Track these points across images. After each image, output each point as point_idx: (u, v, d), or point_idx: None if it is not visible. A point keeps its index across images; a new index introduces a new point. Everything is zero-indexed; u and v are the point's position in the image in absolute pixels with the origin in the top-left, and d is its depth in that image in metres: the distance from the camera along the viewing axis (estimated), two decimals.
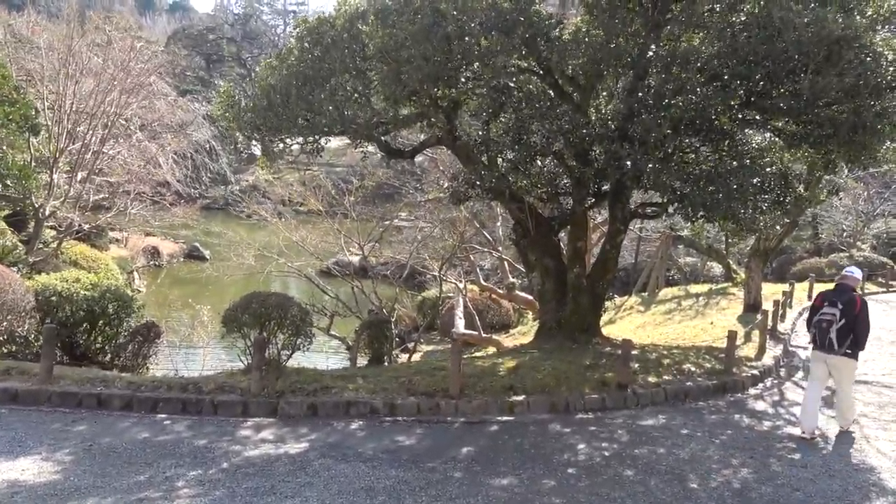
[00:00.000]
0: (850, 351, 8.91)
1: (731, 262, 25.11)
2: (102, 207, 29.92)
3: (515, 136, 11.27)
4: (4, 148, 19.60)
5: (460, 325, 22.72)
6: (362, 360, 13.05)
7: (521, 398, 9.96)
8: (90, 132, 25.34)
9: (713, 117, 10.72)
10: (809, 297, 21.49)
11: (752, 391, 11.64)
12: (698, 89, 10.14)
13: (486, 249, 23.48)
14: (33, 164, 22.23)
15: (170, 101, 38.90)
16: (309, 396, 9.52)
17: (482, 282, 23.44)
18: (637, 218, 14.24)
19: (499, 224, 23.03)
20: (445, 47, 10.13)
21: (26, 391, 9.15)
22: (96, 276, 15.48)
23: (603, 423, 9.59)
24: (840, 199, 30.93)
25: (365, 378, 10.29)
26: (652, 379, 11.14)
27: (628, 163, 10.63)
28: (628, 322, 20.93)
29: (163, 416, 9.04)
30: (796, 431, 9.45)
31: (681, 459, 8.29)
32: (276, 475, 7.13)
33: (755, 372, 12.22)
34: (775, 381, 12.34)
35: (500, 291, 23.15)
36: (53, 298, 12.76)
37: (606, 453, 8.43)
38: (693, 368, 11.86)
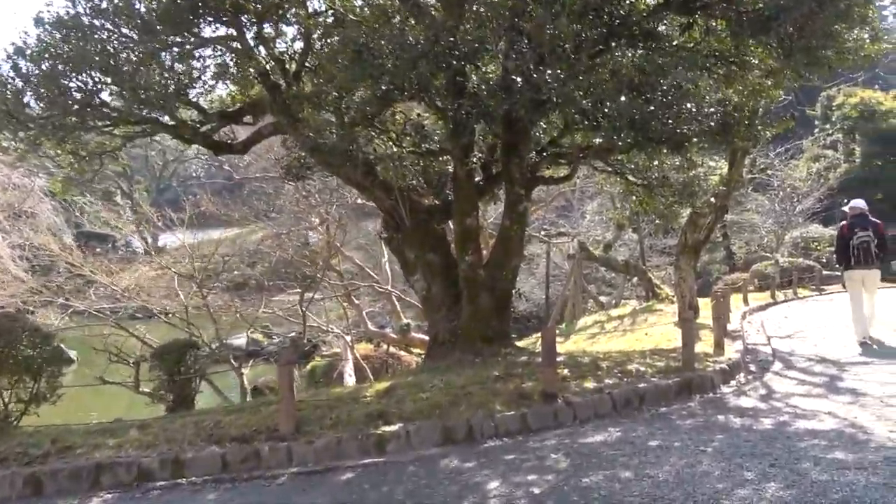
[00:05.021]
0: (881, 263, 10.70)
1: (651, 277, 22.35)
2: None
3: (357, 68, 7.89)
4: None
5: (350, 382, 18.96)
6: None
7: (394, 428, 6.30)
8: None
9: (625, 11, 7.71)
10: (745, 302, 18.83)
11: (725, 389, 8.34)
12: None
13: (366, 284, 19.76)
14: None
15: None
16: (28, 466, 5.53)
17: (370, 328, 19.60)
18: (541, 182, 10.97)
19: (384, 260, 19.49)
20: None
21: None
22: None
23: (525, 448, 6.03)
24: (750, 210, 29.22)
25: (145, 429, 6.36)
26: (589, 384, 7.70)
27: (519, 80, 7.44)
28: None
29: None
30: (814, 425, 6.20)
31: (663, 483, 4.81)
32: None
33: (723, 366, 8.98)
34: (750, 377, 9.11)
35: (393, 336, 19.43)
36: None
37: (536, 489, 4.86)
38: (642, 369, 8.50)
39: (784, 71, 9.18)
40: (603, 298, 32.03)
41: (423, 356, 20.31)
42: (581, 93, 7.37)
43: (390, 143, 9.17)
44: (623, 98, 7.60)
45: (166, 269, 17.40)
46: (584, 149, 8.98)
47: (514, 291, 10.40)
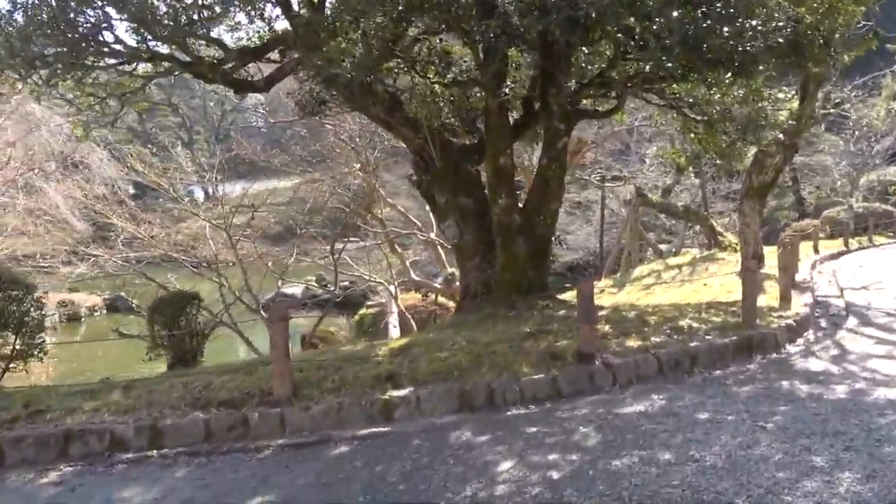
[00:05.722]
0: None
1: (714, 224, 20.94)
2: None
3: None
4: None
5: (394, 334, 18.42)
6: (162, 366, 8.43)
7: (404, 392, 5.55)
8: None
9: None
10: (816, 251, 17.43)
11: (791, 348, 7.33)
12: None
13: (406, 232, 18.95)
14: None
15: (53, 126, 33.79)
16: None
17: (414, 277, 18.87)
18: (584, 116, 9.83)
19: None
20: None
21: None
22: None
23: (552, 419, 5.21)
24: (822, 150, 27.22)
25: (128, 391, 5.76)
26: (633, 343, 6.79)
27: None
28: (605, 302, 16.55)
29: None
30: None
31: (710, 469, 3.95)
32: None
33: (789, 322, 7.93)
34: (820, 334, 8.05)
35: (439, 287, 18.70)
36: None
37: (555, 474, 4.06)
38: (695, 325, 7.53)
39: None
40: (663, 247, 30.73)
41: None
42: (624, 6, 6.28)
43: (415, 75, 8.23)
44: (675, 13, 6.48)
45: (217, 221, 16.86)
46: (631, 76, 7.87)
47: (553, 238, 9.45)
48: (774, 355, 7.05)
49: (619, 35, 6.73)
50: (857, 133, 24.68)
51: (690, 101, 10.53)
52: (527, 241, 8.61)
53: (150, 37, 9.12)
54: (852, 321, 8.61)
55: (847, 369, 6.28)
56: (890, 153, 26.93)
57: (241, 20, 10.96)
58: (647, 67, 7.09)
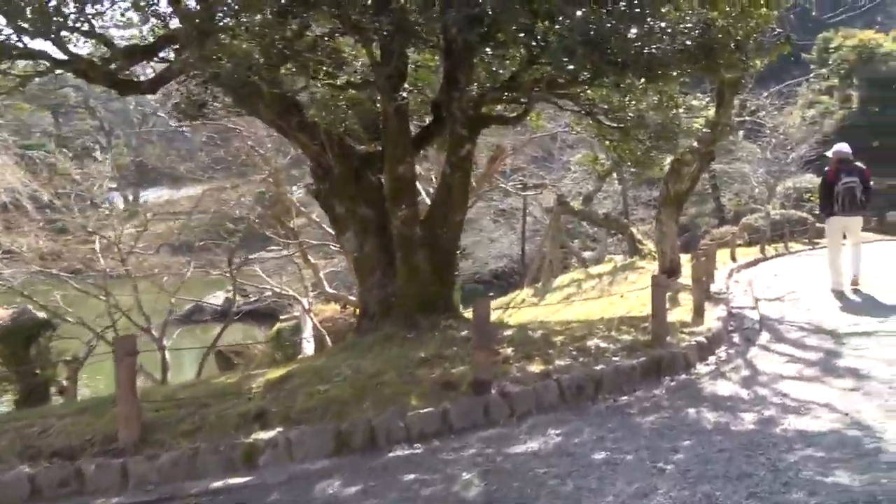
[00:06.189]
0: (865, 210, 10.33)
1: (634, 232, 20.87)
2: None
3: None
4: None
5: (308, 350, 17.71)
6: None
7: (271, 434, 4.90)
8: None
9: None
10: (733, 258, 17.45)
11: (702, 368, 6.98)
12: None
13: (319, 243, 18.21)
14: None
15: None
16: None
17: (328, 290, 18.12)
18: (490, 122, 9.30)
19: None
20: None
21: None
22: None
23: (436, 461, 4.65)
24: (740, 158, 27.65)
25: None
26: (536, 367, 6.31)
27: None
28: (515, 319, 16.15)
29: None
30: (808, 424, 4.86)
31: None
32: None
33: (700, 339, 7.59)
34: (732, 351, 7.74)
35: (355, 300, 18.00)
36: None
37: None
38: (603, 345, 7.12)
39: None
40: (588, 254, 30.75)
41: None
42: (521, 3, 5.79)
43: (307, 77, 7.57)
44: (578, 12, 6.04)
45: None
46: (537, 80, 7.40)
47: (458, 251, 8.93)
48: (684, 376, 6.66)
49: (521, 35, 6.24)
50: (773, 141, 25.13)
51: (605, 107, 10.22)
52: (430, 255, 8.05)
53: (13, 30, 8.24)
54: (765, 336, 8.34)
55: (757, 393, 5.91)
56: (804, 161, 27.56)
57: (133, 17, 10.18)
58: (550, 69, 6.62)
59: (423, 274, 8.01)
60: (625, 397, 6.00)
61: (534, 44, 6.24)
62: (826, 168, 10.89)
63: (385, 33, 6.43)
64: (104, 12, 8.97)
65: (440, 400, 5.52)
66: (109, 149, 59.81)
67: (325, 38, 7.42)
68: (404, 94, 7.29)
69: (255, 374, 6.44)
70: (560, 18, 5.96)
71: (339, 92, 7.90)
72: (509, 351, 6.73)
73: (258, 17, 6.56)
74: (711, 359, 7.36)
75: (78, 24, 8.85)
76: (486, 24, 6.11)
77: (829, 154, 10.92)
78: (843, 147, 10.51)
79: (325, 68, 7.36)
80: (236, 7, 6.75)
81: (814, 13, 15.01)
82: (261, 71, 6.82)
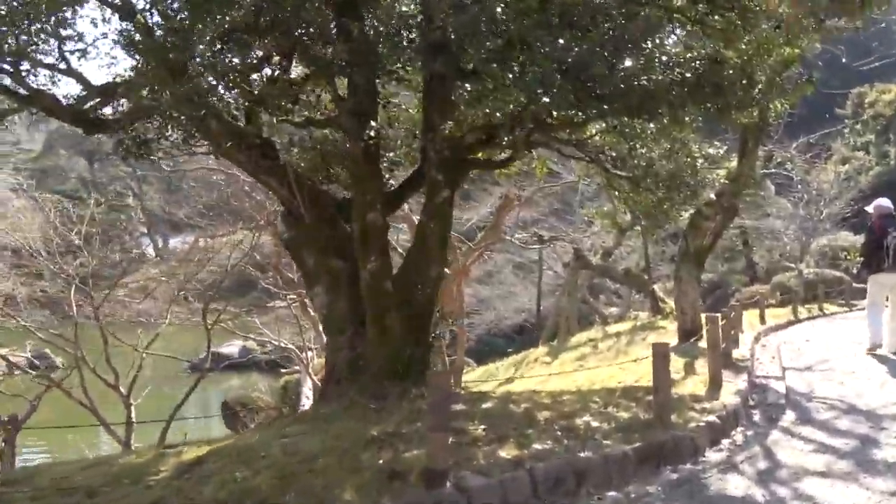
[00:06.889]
0: None
1: (654, 289, 19.72)
2: None
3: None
4: None
5: (307, 406, 16.87)
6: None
7: None
8: None
9: None
10: (762, 320, 16.22)
11: (712, 455, 5.89)
12: None
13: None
14: None
15: None
16: None
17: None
18: (472, 167, 8.29)
19: None
20: None
21: None
22: None
23: None
24: (771, 214, 26.44)
25: None
26: (507, 453, 5.28)
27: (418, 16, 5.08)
28: (526, 381, 15.02)
29: None
30: None
31: None
32: None
33: (712, 419, 6.50)
34: (751, 433, 6.62)
35: None
36: None
37: None
38: (595, 423, 6.07)
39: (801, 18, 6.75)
40: (613, 310, 29.56)
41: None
42: (492, 28, 4.97)
43: (265, 112, 6.81)
44: (560, 39, 5.19)
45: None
46: (515, 118, 6.49)
47: (435, 310, 7.96)
48: (689, 466, 5.59)
49: (492, 65, 5.40)
50: (805, 196, 23.95)
51: (613, 154, 9.36)
52: (402, 314, 7.12)
53: None
54: (790, 415, 7.20)
55: (775, 495, 4.83)
56: (839, 217, 26.28)
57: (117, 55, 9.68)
58: (531, 105, 5.75)
59: (395, 335, 7.06)
60: (613, 493, 4.96)
61: (510, 74, 5.40)
62: (869, 223, 10.15)
63: (343, 63, 5.63)
64: (87, 50, 8.44)
65: (381, 494, 4.53)
66: (141, 195, 60.46)
67: (282, 70, 6.66)
68: (371, 134, 6.46)
69: (171, 453, 5.49)
70: (537, 45, 5.11)
71: (305, 130, 7.13)
72: (480, 430, 5.71)
73: (200, 46, 5.82)
74: (725, 443, 6.28)
75: (58, 63, 8.36)
76: (452, 51, 5.29)
77: (869, 209, 10.21)
78: (886, 202, 9.92)
79: (279, 103, 6.57)
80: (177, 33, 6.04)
81: (843, 59, 14.04)
82: (204, 100, 6.06)
